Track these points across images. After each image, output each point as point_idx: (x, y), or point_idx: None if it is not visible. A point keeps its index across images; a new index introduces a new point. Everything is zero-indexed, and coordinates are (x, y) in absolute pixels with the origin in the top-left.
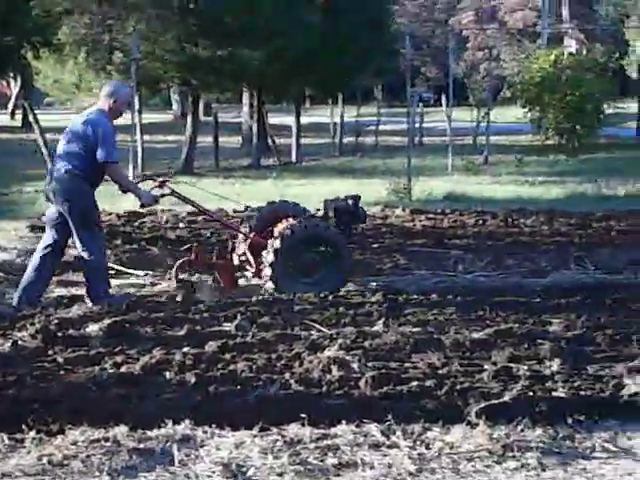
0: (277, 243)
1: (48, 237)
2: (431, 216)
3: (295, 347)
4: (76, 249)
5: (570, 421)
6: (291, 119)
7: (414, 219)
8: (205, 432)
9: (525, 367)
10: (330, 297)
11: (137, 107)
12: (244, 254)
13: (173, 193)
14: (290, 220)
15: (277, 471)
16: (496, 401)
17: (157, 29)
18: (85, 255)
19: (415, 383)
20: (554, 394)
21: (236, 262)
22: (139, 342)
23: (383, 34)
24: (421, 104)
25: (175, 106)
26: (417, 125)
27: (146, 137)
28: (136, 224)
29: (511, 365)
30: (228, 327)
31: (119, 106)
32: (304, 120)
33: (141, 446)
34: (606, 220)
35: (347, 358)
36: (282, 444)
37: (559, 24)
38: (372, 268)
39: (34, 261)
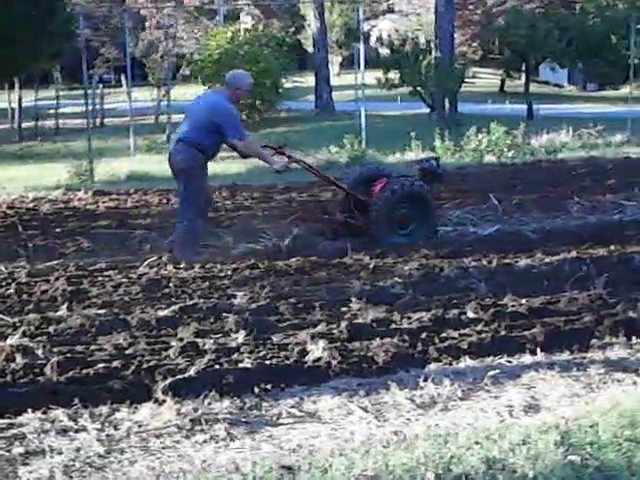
0: (381, 200)
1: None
2: (114, 197)
3: None
4: None
5: (257, 390)
6: None
7: (97, 201)
8: None
9: (211, 341)
10: (13, 284)
11: None
12: (349, 210)
13: (291, 158)
14: (383, 180)
15: None
16: (182, 376)
17: None
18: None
19: (102, 365)
20: (240, 365)
21: (340, 218)
22: None
23: (56, 17)
24: (101, 85)
25: None
26: (98, 106)
27: None
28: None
29: (197, 340)
30: None
31: (241, 94)
32: None
33: None
34: (287, 192)
35: (31, 345)
36: None
37: (235, 1)
38: (55, 252)
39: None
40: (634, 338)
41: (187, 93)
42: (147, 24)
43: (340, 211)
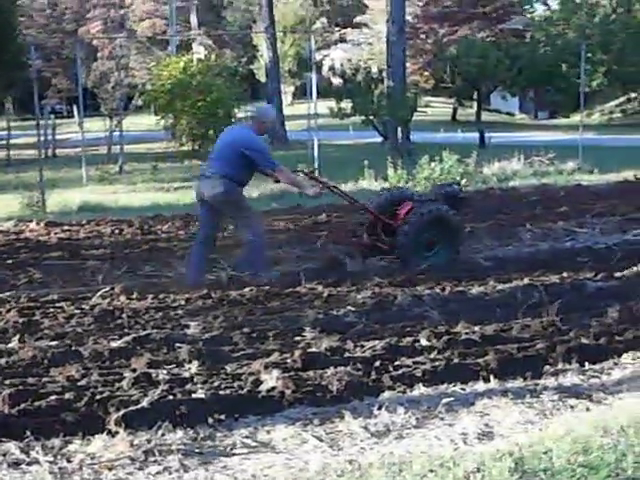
0: (409, 225)
1: (202, 233)
2: (66, 228)
3: None
4: None
5: (211, 421)
6: None
7: (49, 232)
8: None
9: (164, 371)
10: None
11: None
12: (376, 233)
13: (324, 183)
14: (408, 204)
15: None
16: (135, 407)
17: None
18: (249, 236)
19: (54, 397)
20: (194, 396)
21: (367, 241)
22: None
23: (8, 48)
24: (53, 116)
25: None
26: (50, 137)
27: None
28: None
29: (150, 371)
30: None
31: (266, 126)
32: None
33: None
34: None
35: None
36: None
37: (188, 31)
38: (6, 284)
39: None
40: (587, 364)
41: (139, 123)
42: (99, 54)
43: (368, 234)
